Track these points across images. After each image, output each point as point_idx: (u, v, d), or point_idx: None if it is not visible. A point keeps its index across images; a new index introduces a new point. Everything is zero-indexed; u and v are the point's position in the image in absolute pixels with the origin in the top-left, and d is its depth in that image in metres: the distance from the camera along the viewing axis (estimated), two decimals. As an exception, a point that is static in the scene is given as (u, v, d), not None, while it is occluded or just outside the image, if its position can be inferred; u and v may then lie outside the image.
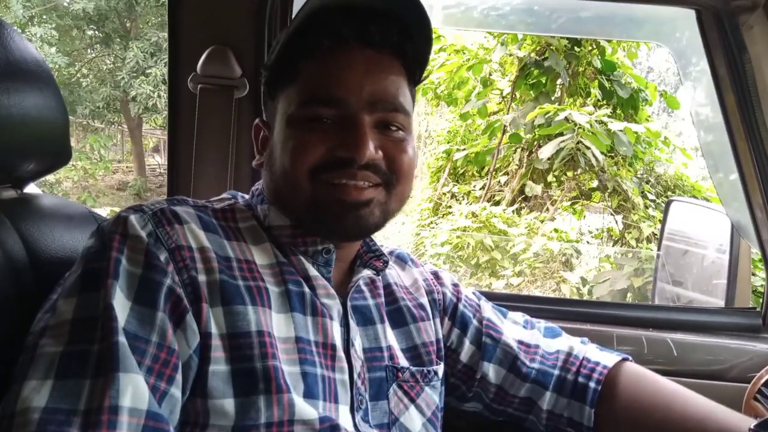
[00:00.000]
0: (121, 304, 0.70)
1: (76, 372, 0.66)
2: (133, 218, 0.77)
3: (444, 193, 7.01)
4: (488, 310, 1.13)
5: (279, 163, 0.87)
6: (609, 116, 5.63)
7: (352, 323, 0.91)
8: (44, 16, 12.39)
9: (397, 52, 0.89)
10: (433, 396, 0.99)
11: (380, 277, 1.02)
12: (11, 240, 0.81)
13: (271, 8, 1.34)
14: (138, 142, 14.45)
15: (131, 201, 13.25)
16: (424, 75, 0.97)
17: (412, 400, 0.96)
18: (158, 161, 15.65)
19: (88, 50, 13.77)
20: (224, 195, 0.97)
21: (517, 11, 1.67)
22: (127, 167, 15.23)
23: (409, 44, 0.90)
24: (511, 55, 6.00)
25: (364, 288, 0.98)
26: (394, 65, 0.89)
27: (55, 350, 0.67)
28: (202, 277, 0.77)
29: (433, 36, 0.95)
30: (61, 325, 0.69)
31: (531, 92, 6.07)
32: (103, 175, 13.62)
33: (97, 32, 13.18)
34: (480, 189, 6.67)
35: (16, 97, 0.83)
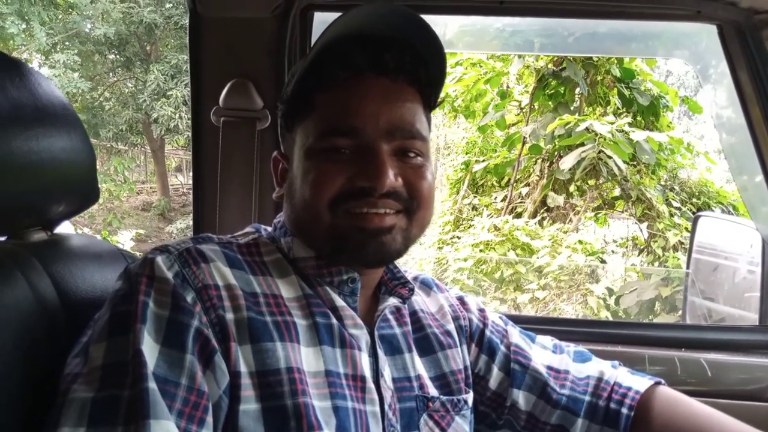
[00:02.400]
0: (149, 348, 0.70)
1: (108, 419, 0.66)
2: (159, 260, 0.77)
3: (465, 205, 6.98)
4: (516, 335, 1.12)
5: (299, 195, 0.88)
6: (630, 124, 5.57)
7: (381, 353, 0.91)
8: (67, 43, 12.66)
9: (412, 79, 0.90)
10: (463, 426, 0.98)
11: (406, 305, 1.02)
12: (43, 283, 0.83)
13: (290, 40, 1.36)
14: (161, 163, 14.64)
15: (156, 221, 13.41)
16: (438, 99, 0.97)
17: (443, 430, 0.95)
18: (181, 181, 15.83)
19: (110, 74, 14.02)
20: (248, 229, 0.98)
21: (532, 32, 1.66)
22: (150, 188, 15.43)
23: (424, 70, 0.90)
24: (528, 66, 5.98)
25: (390, 317, 0.98)
26: (409, 92, 0.89)
27: (87, 396, 0.68)
28: (229, 315, 0.77)
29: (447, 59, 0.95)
30: (93, 371, 0.70)
31: (550, 103, 6.03)
32: (127, 196, 13.80)
33: (118, 56, 13.43)
34: (501, 201, 6.63)
35: (44, 142, 0.84)
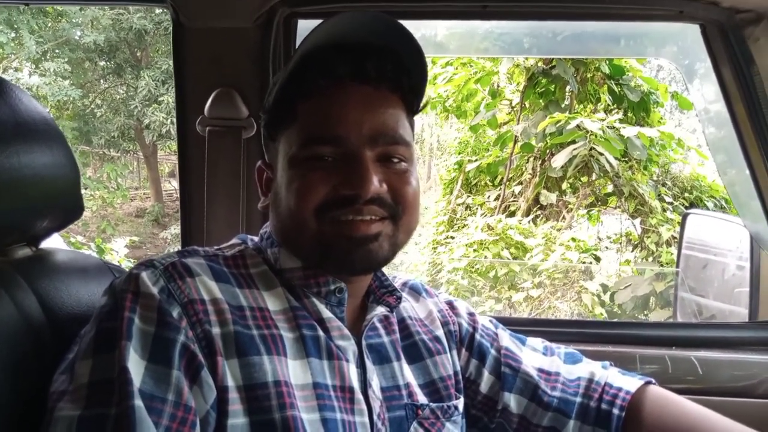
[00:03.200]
0: (135, 365, 0.70)
1: None
2: (144, 275, 0.77)
3: (458, 204, 6.99)
4: (506, 338, 1.12)
5: (284, 205, 0.87)
6: (621, 120, 5.60)
7: (368, 363, 0.91)
8: (57, 51, 12.60)
9: (394, 86, 0.90)
10: (454, 431, 0.98)
11: (394, 313, 1.02)
12: (28, 300, 0.83)
13: (273, 49, 1.36)
14: (154, 169, 14.59)
15: (150, 227, 13.37)
16: (421, 105, 0.97)
17: None
18: (175, 186, 15.74)
19: (101, 81, 13.96)
20: (234, 240, 0.98)
21: (519, 34, 1.67)
22: (144, 194, 15.37)
23: (406, 78, 0.90)
24: (518, 65, 6.00)
25: (378, 325, 0.98)
26: (391, 99, 0.89)
27: (73, 414, 0.68)
28: (216, 330, 0.77)
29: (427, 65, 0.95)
30: (79, 389, 0.70)
31: (540, 101, 6.05)
32: (121, 203, 13.75)
33: (108, 63, 13.36)
34: (494, 200, 6.65)
35: (26, 158, 0.84)
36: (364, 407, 0.86)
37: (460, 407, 1.01)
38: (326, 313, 0.89)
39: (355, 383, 0.87)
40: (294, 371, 0.81)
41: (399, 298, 0.99)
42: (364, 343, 0.92)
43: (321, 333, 0.86)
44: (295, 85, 0.88)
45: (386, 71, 0.88)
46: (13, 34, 11.82)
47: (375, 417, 0.87)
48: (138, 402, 0.68)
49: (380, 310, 0.96)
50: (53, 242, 1.04)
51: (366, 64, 0.87)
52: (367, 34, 0.87)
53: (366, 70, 0.87)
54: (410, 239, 0.94)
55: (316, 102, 0.87)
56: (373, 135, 0.85)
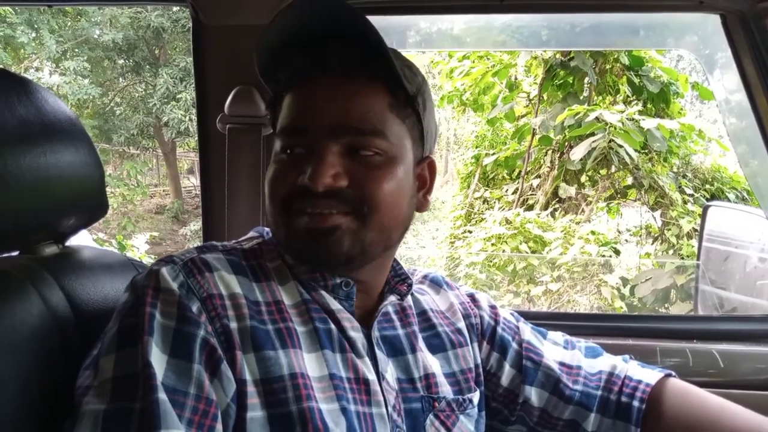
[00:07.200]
0: (158, 359, 0.72)
1: (121, 431, 0.68)
2: (164, 271, 0.78)
3: (476, 198, 6.96)
4: (527, 332, 1.12)
5: (266, 198, 0.90)
6: (640, 112, 5.52)
7: (380, 354, 0.91)
8: (76, 50, 12.76)
9: (368, 75, 0.86)
10: (467, 424, 0.99)
11: (412, 305, 1.02)
12: (55, 296, 0.84)
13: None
14: (173, 166, 14.72)
15: (170, 223, 13.51)
16: (412, 92, 0.89)
17: (449, 430, 0.95)
18: (193, 183, 15.92)
19: (120, 79, 14.12)
20: (252, 233, 0.99)
21: (536, 26, 1.66)
22: (163, 191, 15.53)
23: (374, 64, 0.85)
24: (536, 57, 5.94)
25: (393, 317, 0.98)
26: (364, 89, 0.85)
27: (99, 408, 0.69)
28: (233, 324, 0.78)
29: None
30: (103, 384, 0.71)
31: (558, 93, 5.98)
32: (141, 199, 13.91)
33: (127, 61, 13.51)
34: (512, 193, 6.61)
35: (52, 158, 0.86)
36: (381, 398, 0.87)
37: (475, 400, 1.01)
38: (335, 304, 0.89)
39: (370, 375, 0.87)
40: (310, 363, 0.82)
41: (410, 286, 0.99)
42: (375, 334, 0.92)
43: (332, 326, 0.87)
44: (270, 87, 0.92)
45: (349, 59, 0.85)
46: (33, 34, 11.99)
47: (390, 408, 0.88)
48: (162, 395, 0.69)
49: (391, 299, 0.97)
50: (81, 238, 1.06)
51: (326, 54, 0.85)
52: (323, 23, 0.85)
53: (328, 61, 0.85)
54: (390, 237, 0.89)
55: (286, 98, 0.89)
56: (334, 126, 0.83)
